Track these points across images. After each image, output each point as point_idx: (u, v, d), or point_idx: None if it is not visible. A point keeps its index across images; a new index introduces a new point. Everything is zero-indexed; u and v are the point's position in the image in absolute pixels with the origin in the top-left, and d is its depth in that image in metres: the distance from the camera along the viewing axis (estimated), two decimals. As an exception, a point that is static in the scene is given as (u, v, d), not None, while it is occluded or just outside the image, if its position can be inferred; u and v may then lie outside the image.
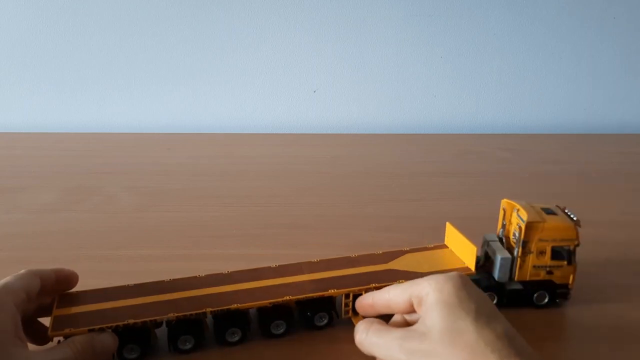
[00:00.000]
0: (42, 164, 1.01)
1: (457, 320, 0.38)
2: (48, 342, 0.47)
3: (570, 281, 0.55)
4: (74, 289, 0.50)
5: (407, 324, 0.45)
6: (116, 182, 0.92)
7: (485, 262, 0.57)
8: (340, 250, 0.59)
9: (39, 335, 0.47)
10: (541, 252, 0.54)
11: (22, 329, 0.42)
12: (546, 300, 0.56)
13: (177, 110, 1.22)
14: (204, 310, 0.48)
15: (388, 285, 0.51)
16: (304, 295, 0.50)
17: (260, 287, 0.51)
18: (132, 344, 0.47)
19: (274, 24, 1.16)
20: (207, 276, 0.53)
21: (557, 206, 0.56)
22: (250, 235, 0.73)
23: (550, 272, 0.55)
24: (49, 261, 0.64)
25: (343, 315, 0.53)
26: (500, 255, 0.54)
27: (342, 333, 0.52)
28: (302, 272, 0.54)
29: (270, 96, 1.22)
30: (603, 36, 1.19)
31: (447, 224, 0.59)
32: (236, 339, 0.50)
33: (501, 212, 0.58)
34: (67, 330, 0.44)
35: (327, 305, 0.52)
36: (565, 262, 0.54)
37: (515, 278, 0.55)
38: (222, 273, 0.53)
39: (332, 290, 0.51)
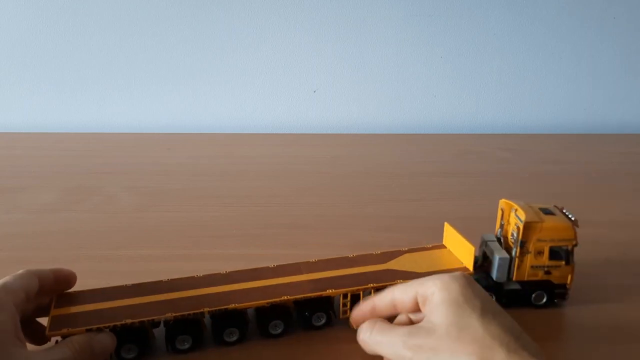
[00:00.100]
0: (42, 164, 1.01)
1: (463, 317, 0.38)
2: (47, 342, 0.47)
3: (569, 281, 0.55)
4: (73, 289, 0.50)
5: (411, 323, 0.45)
6: (116, 182, 0.92)
7: (483, 262, 0.57)
8: (340, 250, 0.59)
9: (38, 335, 0.47)
10: (539, 252, 0.54)
11: (21, 329, 0.42)
12: (544, 300, 0.56)
13: (177, 110, 1.23)
14: (201, 310, 0.48)
15: (386, 285, 0.51)
16: (302, 295, 0.50)
17: (259, 287, 0.51)
18: (130, 344, 0.47)
19: (274, 24, 1.16)
20: (205, 276, 0.53)
21: (555, 206, 0.56)
22: (250, 235, 0.73)
23: (548, 272, 0.55)
24: (49, 261, 0.64)
25: (341, 315, 0.53)
26: (499, 256, 0.54)
27: (340, 333, 0.52)
28: (300, 272, 0.54)
29: (270, 96, 1.22)
30: (603, 36, 1.18)
31: (445, 224, 0.59)
32: (234, 339, 0.50)
33: (499, 212, 0.58)
34: (65, 330, 0.44)
35: (325, 305, 0.52)
36: (563, 262, 0.54)
37: (514, 278, 0.55)
38: (220, 273, 0.54)
39: (330, 290, 0.51)
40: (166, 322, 0.48)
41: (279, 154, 1.08)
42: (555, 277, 0.55)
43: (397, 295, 0.45)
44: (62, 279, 0.49)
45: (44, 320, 0.47)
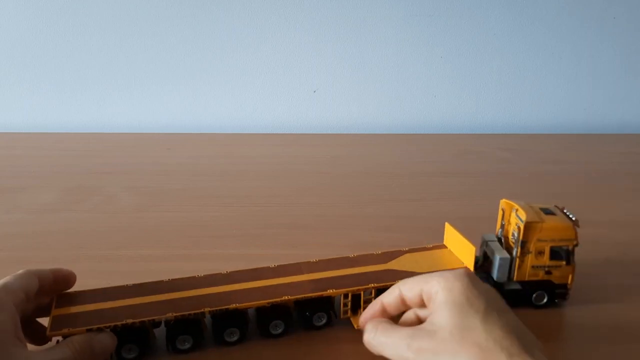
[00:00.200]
0: (42, 164, 1.01)
1: (465, 319, 0.38)
2: (47, 342, 0.47)
3: (569, 281, 0.55)
4: (73, 289, 0.50)
5: (419, 319, 0.44)
6: (116, 182, 0.92)
7: (484, 262, 0.57)
8: (340, 250, 0.59)
9: (38, 335, 0.47)
10: (540, 252, 0.54)
11: (21, 329, 0.42)
12: (545, 300, 0.56)
13: (177, 110, 1.23)
14: (202, 310, 0.48)
15: (387, 285, 0.51)
16: (302, 295, 0.50)
17: (259, 287, 0.51)
18: (131, 344, 0.47)
19: (274, 24, 1.16)
20: (206, 276, 0.53)
21: (556, 206, 0.56)
22: (250, 235, 0.73)
23: (548, 272, 0.55)
24: (49, 261, 0.64)
25: (342, 316, 0.53)
26: (499, 256, 0.54)
27: (341, 333, 0.52)
28: (301, 272, 0.54)
29: (270, 96, 1.22)
30: (603, 36, 1.19)
31: (446, 224, 0.59)
32: (235, 339, 0.50)
33: (500, 212, 0.58)
34: (65, 330, 0.44)
35: (325, 305, 0.52)
36: (564, 262, 0.54)
37: (514, 278, 0.55)
38: (220, 273, 0.54)
39: (331, 290, 0.51)
40: (167, 322, 0.48)
41: (279, 154, 1.08)
42: (556, 277, 0.55)
43: (405, 292, 0.45)
44: (62, 279, 0.49)
45: (44, 321, 0.47)
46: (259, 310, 0.51)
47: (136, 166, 1.01)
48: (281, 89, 1.21)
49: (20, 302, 0.43)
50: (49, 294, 0.49)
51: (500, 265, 0.54)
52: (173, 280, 0.52)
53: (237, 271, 0.54)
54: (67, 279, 0.49)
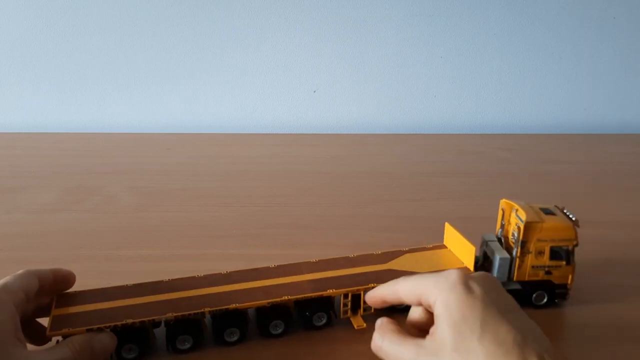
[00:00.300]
0: (42, 164, 1.01)
1: (464, 340, 0.38)
2: (47, 342, 0.47)
3: (569, 281, 0.55)
4: (73, 289, 0.50)
5: (426, 314, 0.44)
6: (116, 182, 0.92)
7: (484, 262, 0.57)
8: (340, 250, 0.59)
9: (38, 336, 0.47)
10: (540, 252, 0.54)
11: (21, 329, 0.42)
12: (545, 300, 0.56)
13: (177, 110, 1.23)
14: (202, 310, 0.48)
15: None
16: (302, 295, 0.50)
17: (259, 287, 0.51)
18: (131, 344, 0.47)
19: (274, 24, 1.16)
20: (206, 276, 0.53)
21: (556, 206, 0.56)
22: (250, 235, 0.73)
23: (548, 272, 0.55)
24: (49, 261, 0.64)
25: (342, 316, 0.53)
26: (499, 256, 0.54)
27: (341, 333, 0.52)
28: (301, 272, 0.54)
29: (270, 96, 1.22)
30: (603, 36, 1.19)
31: (446, 224, 0.59)
32: (235, 339, 0.50)
33: (500, 212, 0.58)
34: (65, 330, 0.44)
35: (325, 305, 0.52)
36: (564, 262, 0.54)
37: (514, 278, 0.55)
38: (220, 273, 0.54)
39: (331, 290, 0.51)
40: (167, 322, 0.48)
41: (279, 154, 1.08)
42: (556, 277, 0.55)
43: (402, 294, 0.45)
44: (61, 279, 0.49)
45: (44, 321, 0.47)
46: (259, 310, 0.51)
47: (136, 166, 1.01)
48: (281, 89, 1.21)
49: (20, 302, 0.43)
50: (49, 294, 0.49)
51: (500, 265, 0.54)
52: (173, 280, 0.52)
53: (237, 271, 0.54)
54: (66, 279, 0.49)
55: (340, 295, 0.52)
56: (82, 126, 1.23)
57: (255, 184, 0.92)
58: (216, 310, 0.48)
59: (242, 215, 0.79)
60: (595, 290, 0.59)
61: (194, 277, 0.53)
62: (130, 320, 0.46)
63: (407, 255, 0.57)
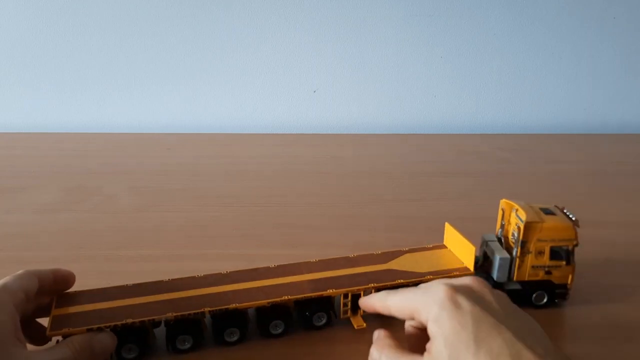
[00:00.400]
0: (42, 164, 1.01)
1: (460, 357, 0.37)
2: (47, 342, 0.47)
3: (569, 281, 0.55)
4: (73, 289, 0.50)
5: (422, 328, 0.44)
6: (116, 182, 0.92)
7: (484, 262, 0.57)
8: (340, 250, 0.59)
9: (38, 336, 0.47)
10: (540, 252, 0.54)
11: (20, 330, 0.42)
12: (545, 300, 0.56)
13: (177, 110, 1.23)
14: (202, 310, 0.48)
15: (387, 285, 0.52)
16: (302, 295, 0.50)
17: (259, 287, 0.51)
18: (131, 344, 0.47)
19: (274, 24, 1.16)
20: (206, 276, 0.53)
21: (556, 206, 0.56)
22: (250, 235, 0.73)
23: (548, 272, 0.55)
24: (49, 261, 0.64)
25: (341, 316, 0.53)
26: (499, 256, 0.54)
27: (341, 333, 0.52)
28: (300, 272, 0.54)
29: (270, 96, 1.22)
30: (603, 36, 1.19)
31: (446, 224, 0.59)
32: (234, 338, 0.50)
33: (500, 212, 0.58)
34: (65, 330, 0.44)
35: (325, 305, 0.52)
36: (564, 262, 0.54)
37: (514, 278, 0.55)
38: (220, 273, 0.54)
39: (331, 290, 0.51)
40: (167, 322, 0.48)
41: (279, 154, 1.08)
42: (556, 277, 0.55)
43: (394, 311, 0.44)
44: (61, 279, 0.49)
45: (43, 321, 0.47)
46: (259, 310, 0.51)
47: (136, 166, 1.01)
48: (281, 89, 1.21)
49: (20, 303, 0.43)
50: (49, 294, 0.49)
51: (500, 265, 0.54)
52: (173, 280, 0.52)
53: (237, 271, 0.54)
54: (66, 279, 0.49)
55: (340, 295, 0.52)
56: (82, 126, 1.23)
57: (255, 184, 0.92)
58: (216, 310, 0.48)
59: (242, 215, 0.79)
60: (595, 290, 0.59)
61: (193, 277, 0.53)
62: (130, 320, 0.46)
63: (407, 255, 0.57)
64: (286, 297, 0.50)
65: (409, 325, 0.45)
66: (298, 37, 1.17)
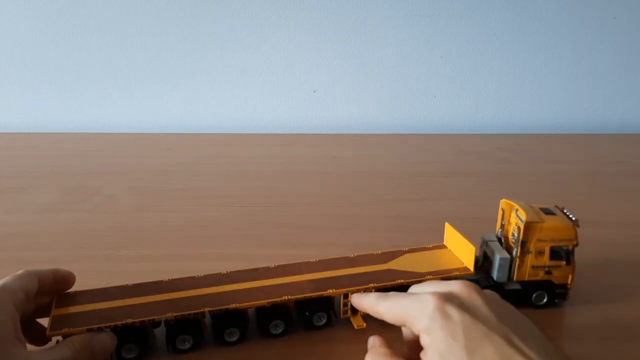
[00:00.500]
0: (42, 164, 1.01)
1: None
2: (47, 342, 0.47)
3: (569, 281, 0.55)
4: (73, 289, 0.50)
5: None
6: (116, 182, 0.92)
7: (484, 262, 0.57)
8: (340, 250, 0.59)
9: (38, 336, 0.47)
10: (540, 252, 0.54)
11: (20, 330, 0.42)
12: (545, 300, 0.56)
13: (177, 110, 1.23)
14: (202, 310, 0.48)
15: (387, 285, 0.52)
16: (302, 295, 0.50)
17: (259, 287, 0.51)
18: (131, 344, 0.47)
19: (274, 24, 1.16)
20: (206, 276, 0.53)
21: (556, 206, 0.56)
22: (250, 235, 0.73)
23: (548, 272, 0.55)
24: (49, 261, 0.64)
25: (341, 316, 0.53)
26: (499, 256, 0.54)
27: (341, 333, 0.52)
28: (300, 272, 0.54)
29: (270, 96, 1.22)
30: (603, 36, 1.19)
31: (446, 224, 0.59)
32: (234, 338, 0.50)
33: (500, 212, 0.58)
34: (65, 330, 0.44)
35: (325, 305, 0.52)
36: (564, 262, 0.54)
37: (514, 278, 0.55)
38: (220, 273, 0.54)
39: (331, 290, 0.51)
40: (167, 322, 0.48)
41: (279, 154, 1.08)
42: (556, 277, 0.55)
43: (386, 318, 0.44)
44: (61, 279, 0.49)
45: (43, 321, 0.47)
46: (259, 310, 0.51)
47: (136, 166, 1.01)
48: (281, 89, 1.21)
49: (19, 303, 0.43)
50: (49, 295, 0.49)
51: (500, 265, 0.54)
52: (173, 280, 0.52)
53: (237, 271, 0.54)
54: (66, 279, 0.49)
55: (340, 295, 0.52)
56: (82, 126, 1.23)
57: (255, 184, 0.92)
58: (216, 310, 0.48)
59: (242, 215, 0.79)
60: (595, 290, 0.59)
61: (193, 277, 0.53)
62: (130, 320, 0.46)
63: (407, 255, 0.57)
64: (286, 297, 0.50)
65: (406, 333, 0.45)
66: (298, 37, 1.17)
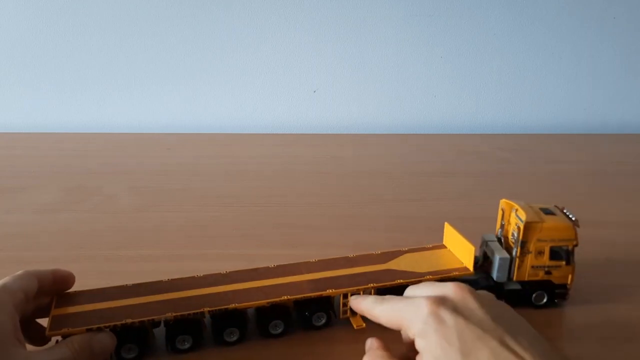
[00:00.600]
0: (42, 164, 1.01)
1: None
2: (46, 342, 0.47)
3: (569, 281, 0.55)
4: (72, 289, 0.50)
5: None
6: (116, 182, 0.92)
7: (483, 262, 0.57)
8: (340, 250, 0.59)
9: (37, 336, 0.47)
10: (540, 252, 0.54)
11: (20, 330, 0.42)
12: (545, 300, 0.56)
13: (177, 110, 1.23)
14: (202, 310, 0.48)
15: (386, 285, 0.51)
16: (302, 295, 0.50)
17: (259, 287, 0.51)
18: (130, 344, 0.47)
19: (274, 24, 1.16)
20: (205, 276, 0.53)
21: (556, 206, 0.56)
22: (250, 235, 0.73)
23: (548, 272, 0.55)
24: (49, 261, 0.64)
25: (341, 316, 0.53)
26: (499, 256, 0.54)
27: (340, 333, 0.52)
28: (300, 272, 0.54)
29: (270, 96, 1.22)
30: (603, 36, 1.19)
31: (446, 224, 0.59)
32: (234, 338, 0.50)
33: (500, 212, 0.58)
34: (65, 330, 0.44)
35: (325, 305, 0.52)
36: (564, 262, 0.54)
37: (514, 278, 0.55)
38: (220, 273, 0.54)
39: (330, 290, 0.51)
40: (166, 322, 0.48)
41: (279, 154, 1.08)
42: (556, 277, 0.55)
43: (383, 322, 0.44)
44: (61, 280, 0.49)
45: (43, 321, 0.47)
46: (259, 310, 0.51)
47: (136, 166, 1.01)
48: (281, 89, 1.21)
49: (19, 303, 0.43)
50: (49, 295, 0.49)
51: (500, 265, 0.54)
52: (173, 280, 0.52)
53: (236, 271, 0.54)
54: (66, 279, 0.49)
55: (340, 295, 0.52)
56: (82, 126, 1.23)
57: (255, 184, 0.92)
58: (216, 310, 0.48)
59: (242, 215, 0.79)
60: (595, 290, 0.59)
61: (193, 277, 0.53)
62: (129, 320, 0.46)
63: (407, 255, 0.57)
64: (286, 297, 0.50)
65: (405, 336, 0.45)
66: (298, 37, 1.17)
